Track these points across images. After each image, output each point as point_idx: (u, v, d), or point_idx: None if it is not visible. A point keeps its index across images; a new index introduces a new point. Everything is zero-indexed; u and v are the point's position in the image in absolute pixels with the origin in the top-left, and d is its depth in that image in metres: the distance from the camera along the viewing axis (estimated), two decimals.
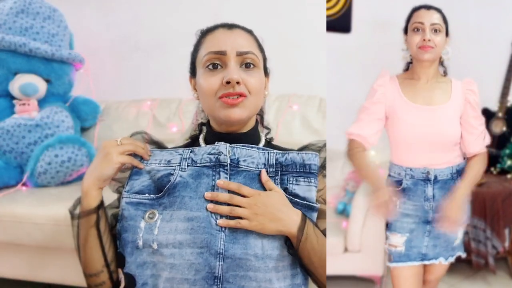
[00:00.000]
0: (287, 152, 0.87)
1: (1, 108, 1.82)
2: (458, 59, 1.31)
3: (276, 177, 0.86)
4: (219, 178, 0.83)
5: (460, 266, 1.86)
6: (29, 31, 1.83)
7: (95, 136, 1.98)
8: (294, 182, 0.86)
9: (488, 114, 2.03)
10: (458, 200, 1.06)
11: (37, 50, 1.80)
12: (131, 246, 0.82)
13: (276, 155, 0.87)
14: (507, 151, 1.94)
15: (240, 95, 0.84)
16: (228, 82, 0.84)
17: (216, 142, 0.87)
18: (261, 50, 0.94)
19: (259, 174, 0.85)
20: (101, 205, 0.85)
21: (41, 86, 1.85)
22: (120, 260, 0.84)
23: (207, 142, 0.93)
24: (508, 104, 2.00)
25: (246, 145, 0.87)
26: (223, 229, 0.79)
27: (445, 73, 1.12)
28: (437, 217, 1.08)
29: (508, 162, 1.91)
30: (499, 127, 2.00)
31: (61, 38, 1.94)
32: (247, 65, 0.87)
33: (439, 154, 1.08)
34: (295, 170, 0.86)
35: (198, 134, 0.97)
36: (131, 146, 0.87)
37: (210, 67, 0.87)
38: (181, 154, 0.88)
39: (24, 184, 1.69)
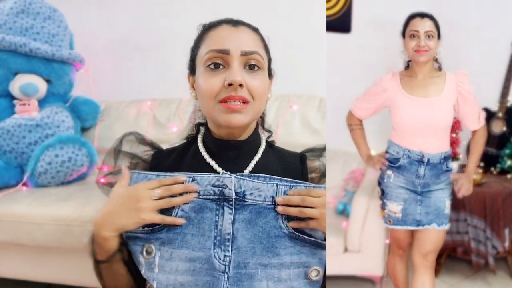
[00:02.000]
0: (296, 184, 0.81)
1: (2, 108, 1.82)
2: (458, 59, 1.32)
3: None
4: (223, 213, 0.77)
5: (460, 266, 1.86)
6: (29, 31, 1.83)
7: (95, 136, 1.98)
8: (301, 217, 0.78)
9: (488, 114, 2.03)
10: (471, 173, 1.34)
11: (37, 50, 1.81)
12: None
13: (284, 187, 0.80)
14: (507, 151, 1.94)
15: (243, 101, 0.78)
16: (230, 84, 0.77)
17: (222, 172, 0.81)
18: (267, 50, 0.88)
19: (266, 208, 0.78)
20: (121, 242, 0.80)
21: (42, 86, 1.85)
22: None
23: (206, 146, 0.88)
24: (508, 104, 2.00)
25: (253, 175, 0.80)
26: (227, 270, 0.74)
27: (439, 68, 1.30)
28: (424, 191, 1.31)
29: (508, 162, 1.91)
30: (499, 127, 2.00)
31: (62, 38, 1.94)
32: (251, 67, 0.81)
33: (433, 141, 1.28)
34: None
35: (196, 135, 0.93)
36: (166, 202, 0.77)
37: (212, 66, 0.80)
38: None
39: (24, 184, 1.69)
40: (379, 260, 1.64)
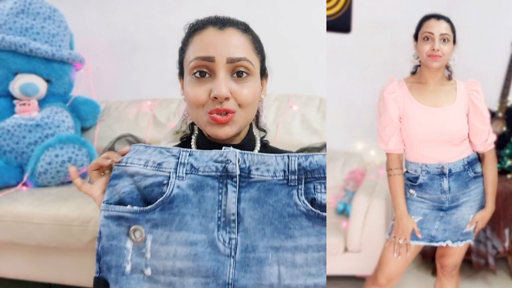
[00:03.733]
0: (310, 154, 0.73)
1: (2, 108, 1.82)
2: (459, 60, 1.32)
3: (300, 187, 0.71)
4: (226, 191, 0.70)
5: (460, 266, 1.86)
6: (29, 31, 1.83)
7: (96, 136, 1.98)
8: (324, 190, 0.71)
9: None
10: (489, 214, 1.18)
11: (37, 50, 1.81)
12: (116, 272, 0.69)
13: (298, 158, 0.72)
14: (507, 151, 1.94)
15: (229, 112, 0.74)
16: (216, 98, 0.73)
17: (224, 147, 0.74)
18: (258, 51, 0.82)
19: (277, 184, 0.71)
20: None
21: (42, 86, 1.85)
22: None
23: (199, 149, 0.82)
24: (508, 104, 2.00)
25: (261, 154, 0.74)
26: (233, 254, 0.68)
27: (449, 77, 1.18)
28: (452, 206, 1.17)
29: (508, 162, 1.91)
30: (499, 127, 2.00)
31: (62, 38, 1.94)
32: (239, 74, 0.76)
33: (450, 149, 1.15)
34: (323, 175, 0.72)
35: (190, 135, 0.90)
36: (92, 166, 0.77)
37: (197, 75, 0.76)
38: (175, 156, 0.73)
39: (24, 184, 1.69)
40: None
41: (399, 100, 1.16)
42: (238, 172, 0.71)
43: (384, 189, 1.74)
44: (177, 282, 0.67)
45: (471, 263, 1.73)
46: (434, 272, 1.84)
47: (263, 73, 0.86)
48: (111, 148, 0.88)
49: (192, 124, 0.91)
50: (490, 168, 1.19)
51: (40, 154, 1.64)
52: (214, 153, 0.73)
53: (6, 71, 1.82)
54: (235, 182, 0.71)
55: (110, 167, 0.79)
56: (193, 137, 0.88)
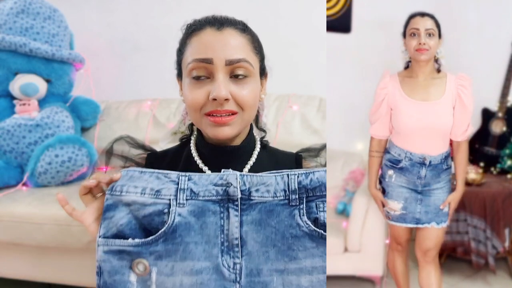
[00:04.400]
0: (311, 171, 0.72)
1: (2, 108, 1.82)
2: (459, 59, 1.32)
3: (301, 206, 0.70)
4: (228, 215, 0.69)
5: (460, 266, 1.86)
6: (29, 31, 1.83)
7: (96, 136, 1.98)
8: (323, 209, 0.70)
9: (488, 114, 2.03)
10: (459, 196, 1.31)
11: (37, 50, 1.81)
12: None
13: (298, 177, 0.71)
14: (507, 151, 1.94)
15: (229, 113, 0.73)
16: (215, 99, 0.72)
17: (223, 170, 0.73)
18: (257, 50, 0.81)
19: (278, 205, 0.70)
20: None
21: (42, 86, 1.85)
22: None
23: (198, 151, 0.84)
24: (508, 104, 2.00)
25: (260, 173, 0.73)
26: (238, 279, 0.67)
27: (438, 70, 1.27)
28: (425, 190, 1.30)
29: (508, 162, 1.91)
30: (499, 127, 2.00)
31: (62, 38, 1.94)
32: (238, 75, 0.75)
33: (434, 143, 1.26)
34: (324, 193, 0.71)
35: (189, 136, 0.90)
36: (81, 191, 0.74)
37: (196, 77, 0.74)
38: (175, 181, 0.71)
39: (24, 184, 1.69)
40: (379, 260, 1.64)
41: (389, 94, 1.27)
42: (239, 195, 0.70)
43: None
44: None
45: (471, 263, 1.73)
46: None
47: (263, 73, 0.85)
48: (109, 150, 0.87)
49: (192, 124, 0.91)
50: (463, 156, 1.31)
51: (40, 154, 1.64)
52: (213, 176, 0.72)
53: (6, 71, 1.82)
54: (237, 205, 0.70)
55: (101, 189, 0.77)
56: (192, 138, 0.87)
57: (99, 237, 0.70)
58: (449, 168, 1.31)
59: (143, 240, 0.68)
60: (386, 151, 1.34)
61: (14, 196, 1.56)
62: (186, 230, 0.68)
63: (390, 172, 1.31)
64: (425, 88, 1.24)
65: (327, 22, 1.99)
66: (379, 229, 1.62)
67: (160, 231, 0.68)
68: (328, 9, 2.02)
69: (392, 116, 1.29)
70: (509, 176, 1.90)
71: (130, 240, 0.68)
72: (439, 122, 1.23)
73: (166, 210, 0.69)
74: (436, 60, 1.26)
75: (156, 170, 0.73)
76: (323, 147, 0.92)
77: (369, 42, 2.03)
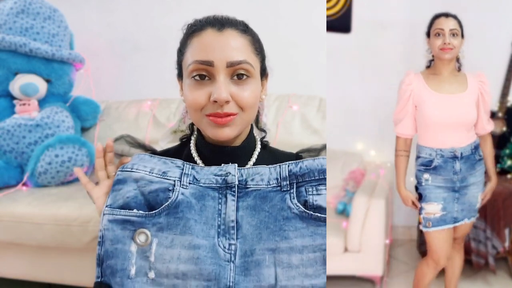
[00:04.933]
0: (300, 160, 0.77)
1: (2, 108, 1.82)
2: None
3: (292, 191, 0.75)
4: (225, 201, 0.73)
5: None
6: (29, 31, 1.83)
7: (96, 136, 1.98)
8: (315, 192, 0.74)
9: None
10: (494, 185, 1.38)
11: (37, 50, 1.81)
12: (121, 275, 0.69)
13: (288, 166, 0.76)
14: (507, 151, 1.94)
15: (230, 115, 0.74)
16: (215, 101, 0.73)
17: (223, 164, 0.77)
18: (258, 51, 0.81)
19: (271, 191, 0.74)
20: None
21: (42, 86, 1.85)
22: None
23: (198, 151, 0.85)
24: (508, 104, 2.00)
25: (255, 166, 0.78)
26: (232, 259, 0.70)
27: (459, 69, 1.34)
28: (462, 187, 1.32)
29: (508, 162, 1.91)
30: (499, 127, 2.00)
31: (62, 38, 1.94)
32: (239, 76, 0.75)
33: (462, 135, 1.30)
34: (313, 178, 0.75)
35: (189, 135, 0.90)
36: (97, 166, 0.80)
37: (196, 78, 0.75)
38: (180, 167, 0.76)
39: (24, 184, 1.69)
40: (379, 260, 1.64)
41: (415, 90, 1.29)
42: (237, 182, 0.74)
43: (384, 189, 1.74)
44: (180, 284, 0.69)
45: (471, 263, 1.73)
46: None
47: (263, 73, 0.85)
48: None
49: (192, 124, 0.91)
50: (489, 147, 1.37)
51: (40, 154, 1.64)
52: (214, 168, 0.77)
53: (6, 71, 1.82)
54: (234, 192, 0.74)
55: (115, 168, 0.82)
56: (192, 138, 0.88)
57: (106, 206, 0.73)
58: (481, 159, 1.34)
59: (147, 212, 0.72)
60: (417, 156, 1.34)
61: (14, 196, 1.57)
62: (187, 208, 0.72)
63: (426, 175, 1.31)
64: (449, 84, 1.30)
65: (327, 22, 1.99)
66: (379, 229, 1.62)
67: (164, 205, 0.72)
68: (328, 9, 2.02)
69: (419, 112, 1.30)
70: (509, 176, 1.90)
71: (135, 210, 0.72)
72: (466, 113, 1.27)
73: (170, 188, 0.73)
74: (458, 59, 1.32)
75: (164, 157, 0.78)
76: (323, 147, 0.92)
77: (369, 42, 2.03)
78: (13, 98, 1.85)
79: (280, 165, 0.77)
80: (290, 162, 0.77)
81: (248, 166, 0.83)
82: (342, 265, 1.64)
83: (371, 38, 2.03)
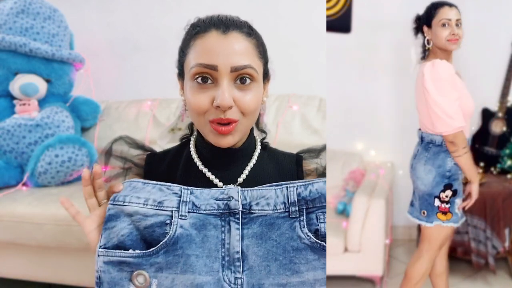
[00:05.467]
0: (310, 182, 0.71)
1: (2, 108, 1.82)
2: (459, 59, 1.32)
3: (301, 218, 0.69)
4: (229, 229, 0.69)
5: (460, 266, 1.86)
6: (29, 31, 1.83)
7: (96, 136, 1.98)
8: (323, 220, 0.69)
9: (488, 114, 2.03)
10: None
11: (37, 50, 1.81)
12: None
13: (297, 189, 0.70)
14: (507, 151, 1.94)
15: (231, 122, 0.72)
16: (218, 106, 0.71)
17: (224, 186, 0.73)
18: (262, 55, 0.80)
19: (278, 218, 0.69)
20: None
21: (42, 86, 1.85)
22: None
23: (198, 152, 0.83)
24: (508, 104, 2.00)
25: (259, 187, 0.72)
26: None
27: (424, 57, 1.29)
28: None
29: (508, 162, 1.91)
30: (499, 127, 2.00)
31: (62, 38, 1.94)
32: (242, 80, 0.73)
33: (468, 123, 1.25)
34: (324, 204, 0.70)
35: (189, 135, 0.89)
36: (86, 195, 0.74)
37: (199, 80, 0.73)
38: (177, 194, 0.71)
39: (24, 184, 1.69)
40: (379, 260, 1.64)
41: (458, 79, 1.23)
42: (240, 208, 0.70)
43: (384, 189, 1.74)
44: None
45: (471, 263, 1.73)
46: None
47: (265, 76, 0.84)
48: (109, 150, 0.86)
49: (192, 124, 0.90)
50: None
51: (40, 154, 1.64)
52: (214, 191, 0.72)
53: (6, 71, 1.82)
54: (238, 219, 0.70)
55: (107, 196, 0.77)
56: (192, 138, 0.87)
57: (100, 247, 0.69)
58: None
59: (144, 251, 0.67)
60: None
61: (14, 196, 1.56)
62: (187, 242, 0.67)
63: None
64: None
65: (327, 22, 1.99)
66: (379, 229, 1.62)
67: (161, 242, 0.67)
68: (328, 9, 2.02)
69: (460, 102, 1.21)
70: (509, 176, 1.90)
71: (130, 251, 0.67)
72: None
73: (168, 221, 0.69)
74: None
75: (159, 183, 0.73)
76: (324, 148, 0.92)
77: (369, 42, 2.03)
78: (13, 98, 1.85)
79: (287, 187, 0.71)
80: (297, 183, 0.71)
81: (249, 167, 0.81)
82: (342, 265, 1.64)
83: (371, 38, 2.03)
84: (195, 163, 0.82)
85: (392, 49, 1.96)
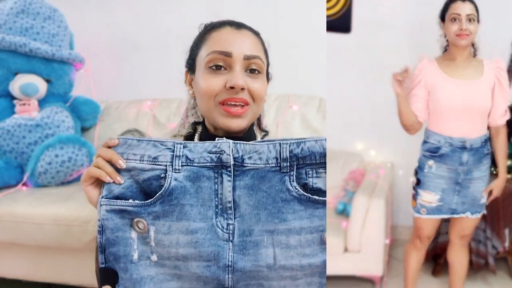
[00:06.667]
0: (302, 140, 0.74)
1: (2, 108, 1.82)
2: None
3: (292, 173, 0.73)
4: (221, 180, 0.73)
5: None
6: (29, 31, 1.83)
7: (96, 136, 1.98)
8: (315, 175, 0.74)
9: None
10: (502, 183, 1.33)
11: (37, 50, 1.81)
12: (124, 261, 0.72)
13: (289, 146, 0.74)
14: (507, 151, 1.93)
15: (244, 103, 0.79)
16: (232, 88, 0.78)
17: (217, 138, 0.76)
18: (266, 55, 0.89)
19: (269, 171, 0.73)
20: None
21: (42, 86, 1.85)
22: (110, 277, 0.73)
23: None
24: (508, 104, 2.00)
25: (252, 142, 0.76)
26: (231, 239, 0.72)
27: (474, 54, 1.29)
28: (465, 180, 1.29)
29: (508, 162, 1.91)
30: None
31: (62, 38, 1.94)
32: (252, 71, 0.82)
33: (473, 125, 1.26)
34: (314, 161, 0.74)
35: (193, 133, 0.92)
36: (101, 164, 0.74)
37: (213, 67, 0.81)
38: (171, 149, 0.74)
39: (24, 184, 1.69)
40: (379, 260, 1.64)
41: (428, 75, 1.26)
42: (232, 162, 0.73)
43: (384, 189, 1.74)
44: (182, 265, 0.72)
45: (471, 263, 1.73)
46: (434, 272, 1.84)
47: (267, 77, 0.91)
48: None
49: (194, 123, 0.93)
50: (503, 141, 1.31)
51: (40, 154, 1.64)
52: (207, 144, 0.75)
53: (6, 71, 1.82)
54: (230, 171, 0.73)
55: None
56: (196, 134, 0.90)
57: (102, 197, 0.73)
58: (489, 154, 1.30)
59: (142, 201, 0.72)
60: (424, 141, 1.32)
61: (14, 196, 1.57)
62: (182, 193, 0.72)
63: (430, 162, 1.29)
64: (464, 69, 1.26)
65: (327, 22, 1.99)
66: (379, 229, 1.62)
67: (157, 194, 0.72)
68: (328, 9, 2.02)
69: (431, 97, 1.27)
70: (509, 176, 1.90)
71: (130, 201, 0.73)
72: (479, 100, 1.23)
73: (163, 175, 0.73)
74: (473, 45, 1.28)
75: (153, 138, 0.76)
76: (323, 138, 0.92)
77: (369, 42, 2.03)
78: (13, 98, 1.85)
79: (280, 143, 0.74)
80: (291, 141, 0.74)
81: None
82: (342, 265, 1.64)
83: (371, 38, 2.03)
84: None
85: (392, 49, 1.96)
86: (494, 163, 1.96)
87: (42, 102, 1.87)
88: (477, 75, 1.25)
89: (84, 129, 2.03)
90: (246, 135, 0.86)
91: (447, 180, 1.29)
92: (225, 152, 0.73)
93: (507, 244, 1.75)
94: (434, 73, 1.26)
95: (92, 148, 1.74)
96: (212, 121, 0.84)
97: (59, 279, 1.53)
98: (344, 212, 1.81)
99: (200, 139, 0.88)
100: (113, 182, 0.73)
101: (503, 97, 1.26)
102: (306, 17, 2.09)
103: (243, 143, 0.75)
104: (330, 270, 1.60)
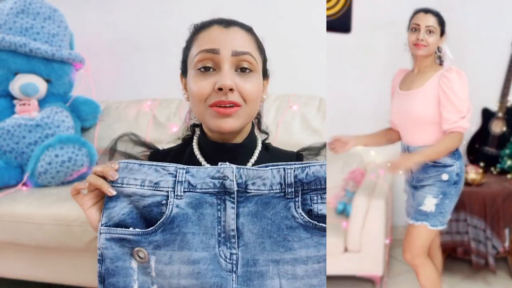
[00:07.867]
0: (306, 165, 0.72)
1: (2, 108, 1.82)
2: (459, 59, 1.32)
3: (297, 199, 0.71)
4: (224, 207, 0.70)
5: (460, 266, 1.86)
6: (29, 31, 1.83)
7: (96, 136, 1.98)
8: (320, 201, 0.72)
9: (488, 114, 2.03)
10: (411, 158, 1.24)
11: (37, 50, 1.81)
12: None
13: (294, 171, 0.71)
14: (507, 151, 1.94)
15: (233, 104, 0.74)
16: (220, 89, 0.73)
17: (220, 163, 0.73)
18: (261, 51, 0.84)
19: (274, 197, 0.71)
20: None
21: (42, 86, 1.85)
22: None
23: (201, 149, 0.85)
24: (508, 104, 2.00)
25: (256, 167, 0.73)
26: (234, 269, 0.69)
27: (440, 63, 1.29)
28: (416, 184, 1.32)
29: (508, 162, 1.91)
30: (499, 127, 2.00)
31: (62, 38, 1.94)
32: (243, 69, 0.77)
33: (414, 133, 1.28)
34: (319, 186, 0.71)
35: (191, 136, 0.90)
36: (92, 180, 0.73)
37: (202, 69, 0.76)
38: (173, 174, 0.72)
39: (24, 184, 1.69)
40: (379, 260, 1.64)
41: (394, 88, 1.36)
42: (235, 188, 0.71)
43: (384, 189, 1.74)
44: None
45: (471, 263, 1.73)
46: None
47: (265, 74, 0.87)
48: (113, 148, 0.88)
49: (193, 126, 0.92)
50: (440, 140, 1.24)
51: (40, 154, 1.64)
52: (210, 169, 0.73)
53: (6, 71, 1.81)
54: (233, 198, 0.71)
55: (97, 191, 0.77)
56: (195, 137, 0.88)
57: (101, 225, 0.71)
58: (438, 166, 1.25)
59: (142, 230, 0.70)
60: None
61: (14, 196, 1.56)
62: (183, 221, 0.70)
63: None
64: (411, 80, 1.29)
65: (327, 22, 1.99)
66: (379, 229, 1.63)
67: (158, 222, 0.70)
68: (328, 9, 2.02)
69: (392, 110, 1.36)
70: (509, 176, 1.90)
71: (131, 229, 0.70)
72: (414, 110, 1.24)
73: (164, 202, 0.71)
74: (439, 57, 1.29)
75: (155, 163, 0.74)
76: (324, 145, 0.93)
77: (369, 42, 2.03)
78: (13, 98, 1.85)
79: (284, 168, 0.72)
80: (295, 165, 0.72)
81: (250, 164, 0.82)
82: (342, 265, 1.64)
83: (371, 38, 2.03)
84: (198, 160, 0.84)
85: (392, 49, 1.96)
86: (490, 163, 1.97)
87: (42, 102, 1.87)
88: (420, 85, 1.25)
89: (84, 129, 2.03)
90: (247, 140, 0.84)
91: (407, 182, 1.38)
92: (228, 177, 0.71)
93: (507, 244, 1.75)
94: (395, 85, 1.34)
95: (92, 148, 1.74)
96: (205, 124, 0.81)
97: (59, 279, 1.53)
98: (344, 212, 1.81)
99: (198, 142, 0.86)
100: (108, 195, 0.71)
101: (446, 104, 1.20)
102: (306, 17, 2.09)
103: (247, 168, 0.72)
104: (330, 270, 1.60)
